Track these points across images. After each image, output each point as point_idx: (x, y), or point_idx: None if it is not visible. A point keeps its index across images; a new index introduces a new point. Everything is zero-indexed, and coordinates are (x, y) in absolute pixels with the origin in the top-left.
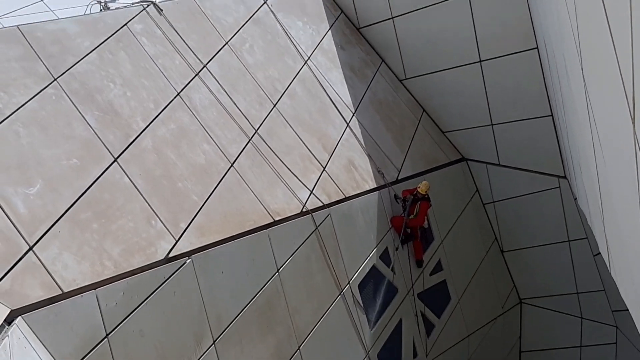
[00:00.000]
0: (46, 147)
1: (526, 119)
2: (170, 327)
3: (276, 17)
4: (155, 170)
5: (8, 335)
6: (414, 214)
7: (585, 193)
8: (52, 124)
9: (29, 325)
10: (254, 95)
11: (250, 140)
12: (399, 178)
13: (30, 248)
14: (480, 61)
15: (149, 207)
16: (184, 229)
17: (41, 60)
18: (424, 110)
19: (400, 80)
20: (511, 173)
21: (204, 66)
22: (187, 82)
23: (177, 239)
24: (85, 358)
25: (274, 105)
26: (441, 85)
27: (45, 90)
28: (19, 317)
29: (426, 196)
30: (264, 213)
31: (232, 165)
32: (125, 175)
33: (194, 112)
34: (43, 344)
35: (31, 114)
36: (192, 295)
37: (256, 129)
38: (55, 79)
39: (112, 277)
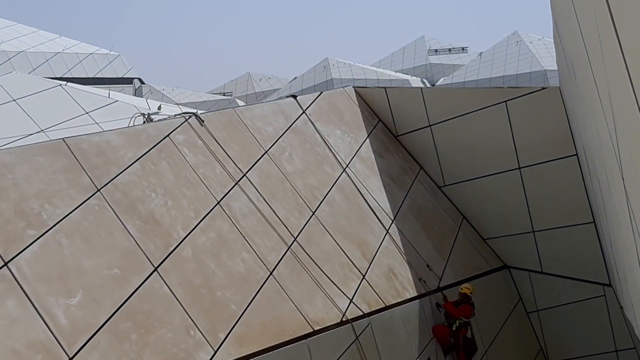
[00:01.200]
0: (88, 257)
1: (568, 226)
2: None
3: (315, 126)
4: (195, 280)
5: None
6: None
7: (631, 302)
8: (94, 234)
9: None
10: (293, 203)
11: (289, 248)
12: (440, 286)
13: None
14: (520, 168)
15: (188, 317)
16: (223, 339)
17: (85, 171)
18: (464, 217)
19: (439, 187)
20: (554, 281)
21: (244, 175)
22: (227, 191)
23: (215, 349)
24: None
25: (313, 213)
26: (480, 192)
27: (88, 200)
28: None
29: (470, 301)
30: (303, 322)
31: (271, 274)
32: (165, 285)
33: (234, 221)
34: None
35: (74, 225)
36: None
37: (295, 236)
38: (98, 190)
39: None
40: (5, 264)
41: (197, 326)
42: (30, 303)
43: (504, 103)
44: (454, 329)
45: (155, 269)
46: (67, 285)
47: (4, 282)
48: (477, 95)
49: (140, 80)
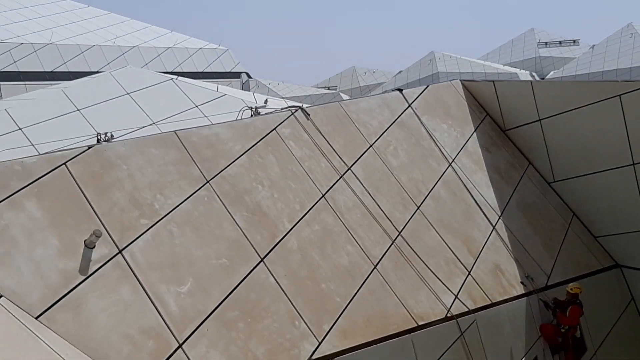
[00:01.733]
0: (197, 246)
1: None
2: None
3: (420, 120)
4: (300, 271)
5: None
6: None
7: None
8: (203, 224)
9: None
10: (397, 197)
11: (393, 242)
12: (548, 284)
13: (180, 346)
14: (634, 164)
15: (293, 308)
16: (327, 330)
17: (195, 163)
18: (574, 213)
19: (549, 183)
20: None
21: (349, 169)
22: (331, 184)
23: (320, 341)
24: None
25: (418, 208)
26: (592, 189)
27: (198, 192)
28: None
29: (578, 300)
30: (407, 317)
31: (375, 267)
32: (271, 275)
33: (338, 214)
34: None
35: (185, 215)
36: None
37: (400, 231)
38: (207, 181)
39: None
40: (120, 251)
41: (302, 317)
42: (142, 290)
43: (618, 97)
44: (562, 330)
45: (262, 260)
46: (178, 274)
47: (118, 269)
48: (589, 88)
49: (247, 74)
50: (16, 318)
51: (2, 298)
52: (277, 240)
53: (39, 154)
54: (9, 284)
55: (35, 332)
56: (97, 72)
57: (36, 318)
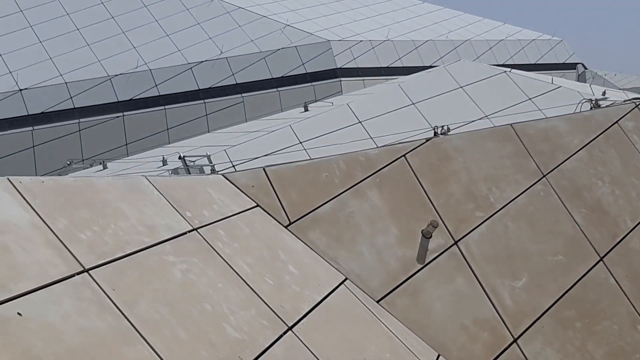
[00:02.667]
0: (533, 241)
1: None
2: None
3: None
4: None
5: None
6: None
7: None
8: (539, 219)
9: None
10: None
11: None
12: None
13: (515, 340)
14: None
15: (635, 311)
16: None
17: (531, 157)
18: None
19: None
20: None
21: None
22: None
23: None
24: None
25: None
26: None
27: (534, 186)
28: None
29: None
30: None
31: None
32: (611, 276)
33: None
34: None
35: (520, 209)
36: None
37: None
38: (544, 176)
39: None
40: (455, 242)
41: None
42: (477, 282)
43: None
44: None
45: (601, 259)
46: (512, 268)
47: (454, 260)
48: None
49: (582, 65)
50: (359, 300)
51: (347, 281)
52: (618, 240)
53: (378, 147)
54: (353, 267)
55: (377, 315)
56: (430, 66)
57: (377, 302)
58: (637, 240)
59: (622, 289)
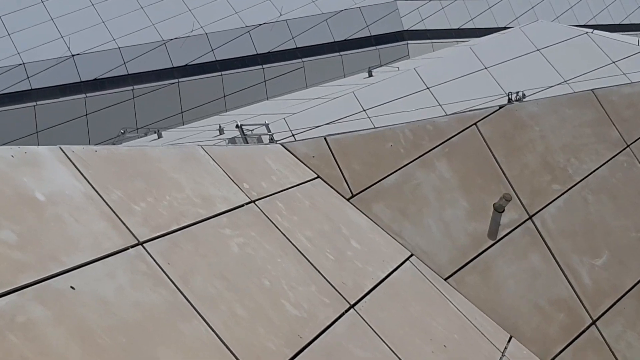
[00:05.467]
0: (614, 216)
1: None
2: None
3: None
4: None
5: None
6: None
7: None
8: (622, 192)
9: None
10: None
11: None
12: None
13: (593, 322)
14: None
15: None
16: None
17: (614, 125)
18: None
19: None
20: None
21: None
22: None
23: None
24: None
25: None
26: None
27: (617, 156)
28: None
29: None
30: None
31: None
32: None
33: None
34: None
35: (601, 181)
36: None
37: None
38: (628, 146)
39: None
40: (530, 217)
41: None
42: (553, 259)
43: None
44: None
45: None
46: (592, 244)
47: (528, 236)
48: None
49: None
50: (426, 277)
51: (413, 257)
52: None
53: (447, 114)
54: (420, 242)
55: (444, 293)
56: (505, 27)
57: (445, 279)
58: None
59: None
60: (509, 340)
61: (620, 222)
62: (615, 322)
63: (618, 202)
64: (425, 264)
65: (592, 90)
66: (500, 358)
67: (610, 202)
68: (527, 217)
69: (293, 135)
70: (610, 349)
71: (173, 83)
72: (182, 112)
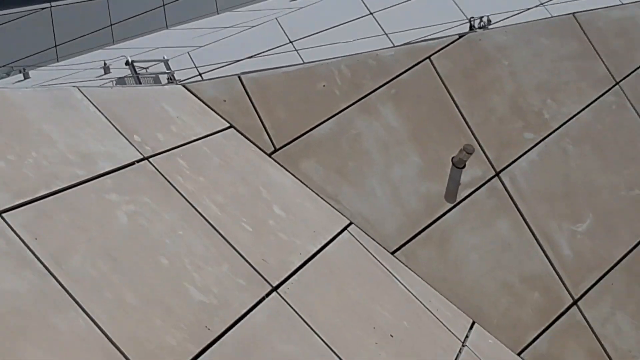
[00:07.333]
0: (601, 171)
1: None
2: None
3: None
4: None
5: None
6: None
7: None
8: (610, 141)
9: None
10: None
11: None
12: None
13: (575, 302)
14: None
15: None
16: None
17: (601, 58)
18: None
19: None
20: None
21: None
22: None
23: None
24: None
25: None
26: None
27: (603, 97)
28: None
29: None
30: None
31: None
32: None
33: None
34: None
35: (584, 128)
36: None
37: None
38: (616, 83)
39: None
40: (497, 174)
41: None
42: (526, 226)
43: None
44: None
45: None
46: (573, 207)
47: (494, 198)
48: None
49: None
50: (368, 251)
51: (352, 226)
52: None
53: (395, 46)
54: (361, 208)
55: (392, 271)
56: None
57: (392, 253)
58: None
59: None
60: (471, 327)
61: (607, 178)
62: (602, 301)
63: (605, 153)
64: (368, 235)
65: (572, 14)
66: (461, 349)
67: (595, 153)
68: (494, 174)
69: (200, 75)
70: (596, 335)
71: (44, 8)
72: (55, 46)
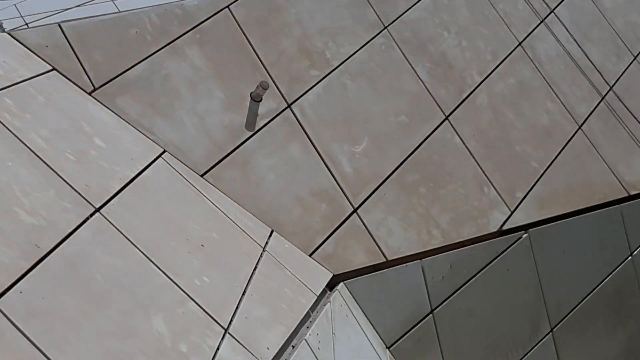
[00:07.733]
0: (374, 101)
1: None
2: (501, 308)
3: None
4: (490, 132)
5: (330, 302)
6: None
7: None
8: (380, 76)
9: (351, 293)
10: (610, 45)
11: (603, 98)
12: None
13: (355, 210)
14: None
15: (482, 173)
16: (521, 199)
17: (371, 6)
18: None
19: None
20: None
21: (552, 11)
22: (530, 30)
23: (512, 210)
24: (408, 333)
25: (635, 58)
26: None
27: (375, 39)
28: (341, 283)
29: None
30: (616, 186)
31: (579, 128)
32: (457, 135)
33: (537, 65)
34: (365, 314)
35: (360, 66)
36: (527, 275)
37: (611, 85)
38: (385, 27)
39: (439, 247)
40: (289, 105)
41: (491, 183)
42: (314, 148)
43: None
44: None
45: (446, 118)
46: (352, 132)
47: (287, 125)
48: None
49: None
50: (181, 175)
51: (166, 153)
52: (465, 96)
53: None
54: (173, 138)
55: (201, 191)
56: None
57: (201, 175)
58: (484, 96)
59: (468, 150)
60: (270, 235)
61: (379, 107)
62: (376, 209)
63: (377, 86)
64: (180, 161)
65: None
66: (261, 253)
67: (369, 86)
68: (286, 105)
69: (27, 24)
70: (372, 236)
71: None
72: None
